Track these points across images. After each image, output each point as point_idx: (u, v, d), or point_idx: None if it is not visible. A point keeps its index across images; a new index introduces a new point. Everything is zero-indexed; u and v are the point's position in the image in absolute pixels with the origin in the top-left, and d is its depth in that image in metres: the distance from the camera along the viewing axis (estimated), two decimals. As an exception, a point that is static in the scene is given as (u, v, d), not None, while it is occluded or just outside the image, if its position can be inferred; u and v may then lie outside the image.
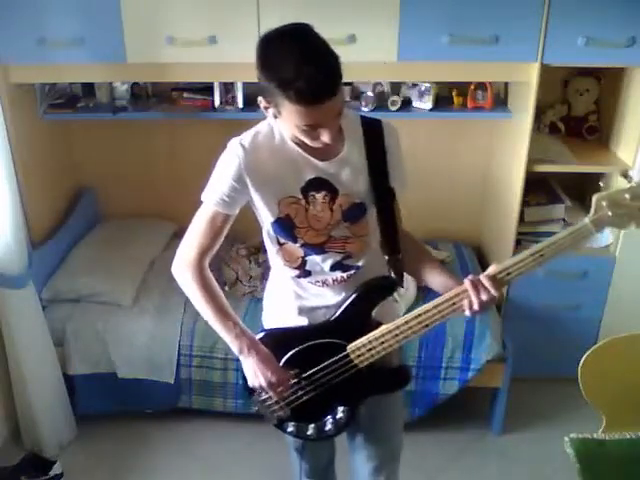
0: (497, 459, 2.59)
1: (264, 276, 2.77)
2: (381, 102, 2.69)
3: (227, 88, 2.71)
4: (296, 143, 1.47)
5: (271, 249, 1.61)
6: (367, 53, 2.27)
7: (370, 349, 1.55)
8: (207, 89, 2.74)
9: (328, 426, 1.66)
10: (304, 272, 1.59)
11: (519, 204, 2.59)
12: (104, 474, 2.53)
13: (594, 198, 1.46)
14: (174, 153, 3.10)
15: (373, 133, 1.54)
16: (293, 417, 1.67)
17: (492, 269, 1.49)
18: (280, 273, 1.65)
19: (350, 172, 1.51)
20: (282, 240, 1.56)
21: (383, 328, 1.54)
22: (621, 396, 1.96)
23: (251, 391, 1.65)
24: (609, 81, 2.77)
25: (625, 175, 2.57)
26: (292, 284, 1.62)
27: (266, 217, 1.53)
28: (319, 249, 1.55)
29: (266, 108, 1.41)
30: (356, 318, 1.59)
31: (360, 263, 1.60)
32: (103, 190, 3.18)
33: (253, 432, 2.63)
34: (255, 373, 1.56)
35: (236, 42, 2.34)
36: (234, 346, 1.56)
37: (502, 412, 2.64)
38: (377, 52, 2.33)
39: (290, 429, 1.69)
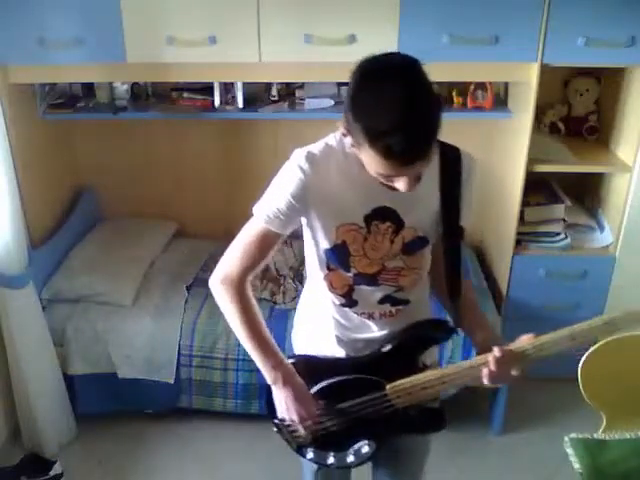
0: (497, 459, 2.59)
1: (264, 276, 2.77)
2: (381, 102, 2.69)
3: (227, 88, 2.71)
4: None
5: (317, 273, 1.48)
6: (367, 53, 2.28)
7: (410, 393, 1.46)
8: (207, 89, 2.74)
9: (350, 458, 1.58)
10: (350, 301, 1.48)
11: (519, 204, 2.59)
12: (104, 474, 2.53)
13: None
14: (174, 153, 3.10)
15: (450, 164, 1.39)
16: (315, 444, 1.59)
17: (521, 344, 1.39)
18: (321, 297, 1.52)
19: (421, 205, 1.38)
20: (332, 266, 1.44)
21: (429, 373, 1.46)
22: (621, 396, 1.96)
23: (274, 415, 1.57)
24: (609, 81, 2.77)
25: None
26: (334, 311, 1.51)
27: (321, 242, 1.41)
28: (371, 280, 1.44)
29: (344, 135, 1.25)
30: (403, 358, 1.49)
31: (410, 297, 1.50)
32: (103, 190, 3.18)
33: (253, 432, 2.63)
34: (287, 407, 1.48)
35: (236, 42, 2.34)
36: (269, 376, 1.48)
37: (502, 412, 2.65)
38: (377, 52, 2.32)
39: (310, 455, 1.62)
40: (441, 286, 1.53)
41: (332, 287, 1.48)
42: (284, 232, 1.41)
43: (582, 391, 1.93)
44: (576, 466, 1.90)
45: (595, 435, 1.97)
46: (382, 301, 1.48)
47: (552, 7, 2.24)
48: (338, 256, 1.41)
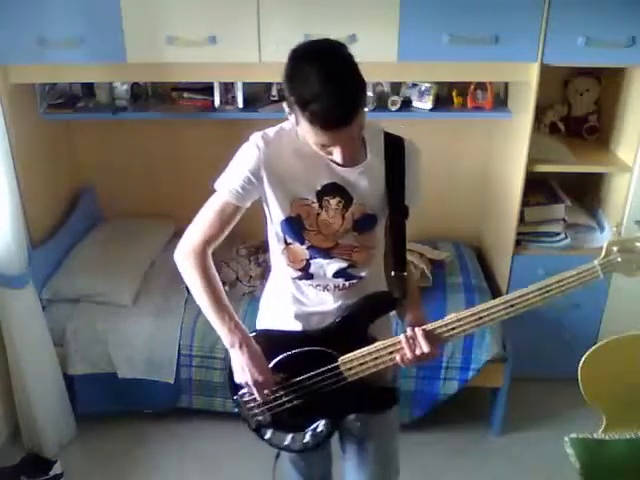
0: (497, 459, 2.59)
1: (264, 276, 2.77)
2: (381, 102, 2.69)
3: (227, 88, 2.71)
4: None
5: (276, 248, 1.59)
6: (367, 53, 2.26)
7: (362, 364, 1.54)
8: (207, 89, 2.74)
9: (307, 438, 1.64)
10: (306, 274, 1.57)
11: (519, 204, 2.59)
12: (104, 474, 2.53)
13: (605, 243, 1.46)
14: (174, 153, 3.10)
15: (394, 150, 1.53)
16: (273, 424, 1.65)
17: (431, 324, 1.49)
18: (281, 274, 1.62)
19: (368, 183, 1.50)
20: (289, 240, 1.54)
21: (378, 344, 1.53)
22: (621, 396, 1.96)
23: (234, 390, 1.65)
24: (609, 81, 2.77)
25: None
26: (292, 287, 1.60)
27: (276, 215, 1.52)
28: (325, 253, 1.54)
29: (289, 113, 1.40)
30: (352, 330, 1.57)
31: (363, 274, 1.58)
32: (103, 190, 3.18)
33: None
34: (243, 369, 1.54)
35: (236, 42, 2.34)
36: (226, 339, 1.55)
37: (502, 412, 2.64)
38: (377, 52, 2.33)
39: (268, 436, 1.68)
40: (387, 261, 1.62)
41: (290, 261, 1.57)
42: (242, 205, 1.52)
43: (582, 391, 1.93)
44: (576, 466, 1.90)
45: (595, 435, 1.97)
46: (336, 275, 1.57)
47: (552, 7, 2.24)
48: (293, 228, 1.52)
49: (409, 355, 1.48)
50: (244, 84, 2.66)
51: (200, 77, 2.58)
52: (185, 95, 2.78)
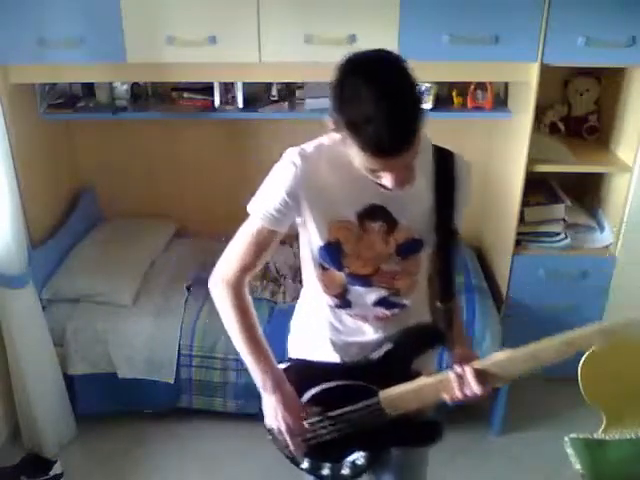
0: (497, 459, 2.59)
1: (264, 276, 2.77)
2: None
3: (227, 88, 2.71)
4: None
5: (311, 273, 1.48)
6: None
7: (404, 400, 1.44)
8: (207, 89, 2.74)
9: (345, 470, 1.55)
10: (344, 302, 1.47)
11: (519, 204, 2.59)
12: (104, 474, 2.53)
13: None
14: (174, 153, 3.10)
15: (444, 166, 1.40)
16: (309, 453, 1.56)
17: (480, 364, 1.37)
18: (316, 299, 1.51)
19: (415, 205, 1.37)
20: (326, 266, 1.43)
21: (422, 381, 1.42)
22: (621, 396, 1.96)
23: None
24: (609, 81, 2.77)
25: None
26: (328, 314, 1.50)
27: (314, 240, 1.40)
28: (365, 281, 1.43)
29: (334, 130, 1.25)
30: (395, 364, 1.46)
31: (406, 301, 1.48)
32: (103, 190, 3.18)
33: (253, 432, 2.61)
34: (275, 415, 1.45)
35: (236, 42, 2.34)
36: (258, 380, 1.46)
37: (502, 412, 2.65)
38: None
39: (305, 465, 1.59)
40: (432, 289, 1.51)
41: (326, 288, 1.47)
42: (280, 229, 1.40)
43: (582, 391, 1.92)
44: (576, 466, 1.90)
45: (595, 435, 1.97)
46: (377, 304, 1.46)
47: (552, 7, 2.24)
48: (331, 254, 1.40)
49: (459, 395, 1.37)
50: (244, 84, 2.66)
51: (200, 77, 2.57)
52: (185, 95, 2.78)
